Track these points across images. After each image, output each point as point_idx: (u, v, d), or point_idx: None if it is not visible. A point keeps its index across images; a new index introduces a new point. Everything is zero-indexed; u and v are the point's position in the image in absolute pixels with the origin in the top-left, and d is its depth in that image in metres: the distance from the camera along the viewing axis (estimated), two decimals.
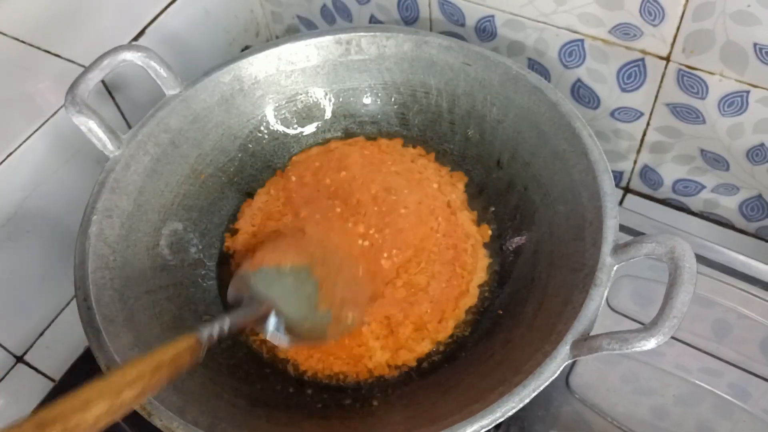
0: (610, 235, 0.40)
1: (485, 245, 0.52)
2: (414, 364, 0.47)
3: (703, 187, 0.57)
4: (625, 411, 0.46)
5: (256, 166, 0.57)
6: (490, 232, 0.52)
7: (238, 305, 0.42)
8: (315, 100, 0.58)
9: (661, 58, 0.49)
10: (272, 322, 0.42)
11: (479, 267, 0.50)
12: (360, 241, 0.50)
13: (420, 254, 0.49)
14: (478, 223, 0.53)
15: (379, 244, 0.49)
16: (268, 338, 0.42)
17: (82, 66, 0.54)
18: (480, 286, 0.50)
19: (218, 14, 0.66)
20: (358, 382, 0.47)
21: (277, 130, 0.58)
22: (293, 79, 0.56)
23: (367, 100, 0.58)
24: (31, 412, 0.48)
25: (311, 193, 0.54)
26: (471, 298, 0.49)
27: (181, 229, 0.52)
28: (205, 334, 0.37)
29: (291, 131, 0.58)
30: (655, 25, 0.47)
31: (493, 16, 0.55)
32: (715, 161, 0.54)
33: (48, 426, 0.27)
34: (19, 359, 0.57)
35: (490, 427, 0.36)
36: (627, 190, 0.62)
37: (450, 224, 0.51)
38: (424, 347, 0.47)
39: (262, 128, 0.57)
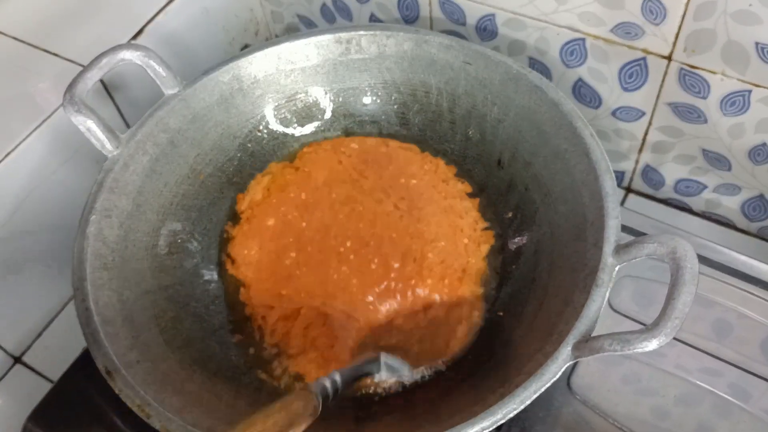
0: (612, 235, 0.40)
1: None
2: None
3: (705, 187, 0.57)
4: (626, 411, 0.46)
5: (255, 166, 0.57)
6: (479, 313, 0.49)
7: None
8: (315, 99, 0.58)
9: (663, 57, 0.49)
10: (383, 363, 0.42)
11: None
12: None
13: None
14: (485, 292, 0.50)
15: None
16: (388, 380, 0.43)
17: (81, 65, 0.54)
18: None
19: (218, 13, 0.66)
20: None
21: (277, 130, 0.58)
22: (293, 79, 0.56)
23: (367, 100, 0.58)
24: (31, 414, 0.49)
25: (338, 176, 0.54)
26: None
27: (180, 229, 0.52)
28: (316, 387, 0.37)
29: (290, 131, 0.58)
30: (656, 24, 0.47)
31: (493, 15, 0.55)
32: (717, 161, 0.54)
33: None
34: (17, 360, 0.56)
35: (491, 428, 0.36)
36: (628, 190, 0.62)
37: (451, 292, 0.49)
38: None
39: (261, 128, 0.57)
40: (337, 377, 0.38)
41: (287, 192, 0.54)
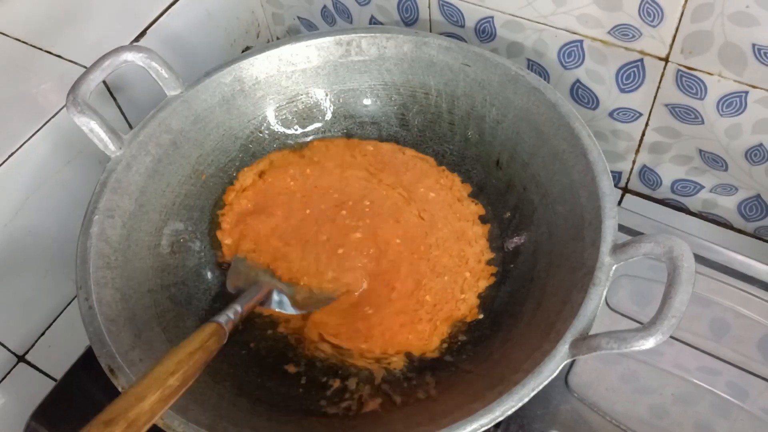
0: (609, 235, 0.41)
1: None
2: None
3: (702, 187, 0.57)
4: (624, 410, 0.47)
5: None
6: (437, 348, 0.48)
7: (240, 292, 0.46)
8: (315, 100, 0.58)
9: (660, 58, 0.49)
10: (275, 298, 0.47)
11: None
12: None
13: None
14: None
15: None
16: (276, 310, 0.48)
17: (84, 67, 0.54)
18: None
19: (219, 15, 0.66)
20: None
21: (278, 131, 0.58)
22: (294, 80, 0.57)
23: (367, 101, 0.58)
24: (34, 411, 0.49)
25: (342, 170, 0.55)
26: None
27: (182, 229, 0.52)
28: (223, 319, 0.40)
29: (292, 132, 0.59)
30: (653, 26, 0.48)
31: (492, 17, 0.55)
32: (714, 161, 0.54)
33: (113, 422, 0.31)
34: (21, 358, 0.57)
35: (489, 426, 0.36)
36: (626, 190, 0.62)
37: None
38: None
39: (262, 129, 0.58)
40: (239, 308, 0.43)
41: (286, 169, 0.55)
